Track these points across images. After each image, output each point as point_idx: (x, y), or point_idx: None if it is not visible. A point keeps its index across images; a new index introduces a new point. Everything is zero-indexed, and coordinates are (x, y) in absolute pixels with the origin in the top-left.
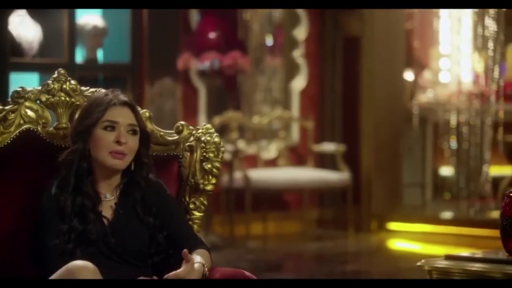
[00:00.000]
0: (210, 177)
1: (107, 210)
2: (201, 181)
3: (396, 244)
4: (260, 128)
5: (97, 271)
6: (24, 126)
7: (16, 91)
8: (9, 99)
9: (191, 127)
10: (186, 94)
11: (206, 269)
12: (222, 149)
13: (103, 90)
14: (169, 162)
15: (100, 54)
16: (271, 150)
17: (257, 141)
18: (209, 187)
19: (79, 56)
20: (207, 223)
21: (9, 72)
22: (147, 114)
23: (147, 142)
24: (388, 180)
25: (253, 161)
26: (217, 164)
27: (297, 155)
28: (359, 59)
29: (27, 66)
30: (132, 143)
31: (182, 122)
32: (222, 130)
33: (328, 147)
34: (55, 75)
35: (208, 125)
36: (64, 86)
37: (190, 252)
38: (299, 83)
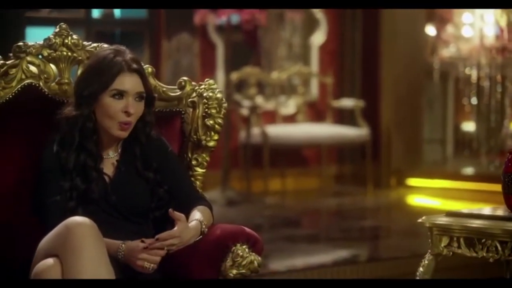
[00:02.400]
0: (212, 133)
1: (108, 167)
2: (203, 137)
3: (416, 200)
4: (279, 84)
5: (95, 227)
6: (26, 81)
7: (18, 46)
8: (11, 54)
9: (193, 83)
10: (204, 49)
11: (204, 226)
12: (224, 105)
13: (106, 48)
14: (172, 118)
15: (117, 9)
16: (289, 105)
17: (275, 96)
18: (211, 143)
19: (96, 11)
20: (224, 179)
21: (25, 26)
22: (150, 69)
23: (152, 103)
24: (408, 136)
25: (272, 117)
26: (219, 120)
27: (316, 111)
28: (379, 13)
29: (43, 20)
30: (139, 110)
31: (185, 78)
32: (241, 86)
33: (347, 102)
34: (57, 29)
35: (211, 81)
36: (66, 41)
37: (191, 208)
38: (318, 38)
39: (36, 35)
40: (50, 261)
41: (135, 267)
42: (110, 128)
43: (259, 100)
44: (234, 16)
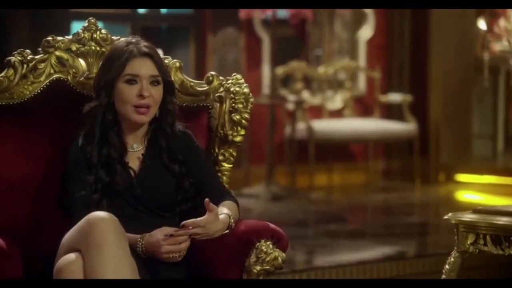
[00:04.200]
0: (239, 128)
1: (134, 161)
2: (230, 132)
3: (464, 196)
4: (325, 78)
5: (117, 222)
6: (55, 76)
7: (47, 40)
8: (39, 48)
9: (221, 78)
10: (250, 44)
11: (232, 220)
12: (251, 100)
13: (123, 39)
14: (199, 112)
15: None
16: (336, 100)
17: (322, 91)
18: (237, 139)
19: None
20: (269, 174)
21: (70, 20)
22: (177, 64)
23: (171, 90)
24: (457, 131)
25: (318, 111)
26: (246, 115)
27: (363, 106)
28: None
29: (89, 15)
30: (155, 93)
31: (212, 73)
32: (287, 81)
33: (395, 97)
34: (86, 24)
35: (238, 76)
36: (95, 36)
37: (218, 203)
38: (366, 32)
39: None
40: (72, 256)
41: (161, 258)
42: (128, 114)
43: (305, 95)
44: (280, 11)
